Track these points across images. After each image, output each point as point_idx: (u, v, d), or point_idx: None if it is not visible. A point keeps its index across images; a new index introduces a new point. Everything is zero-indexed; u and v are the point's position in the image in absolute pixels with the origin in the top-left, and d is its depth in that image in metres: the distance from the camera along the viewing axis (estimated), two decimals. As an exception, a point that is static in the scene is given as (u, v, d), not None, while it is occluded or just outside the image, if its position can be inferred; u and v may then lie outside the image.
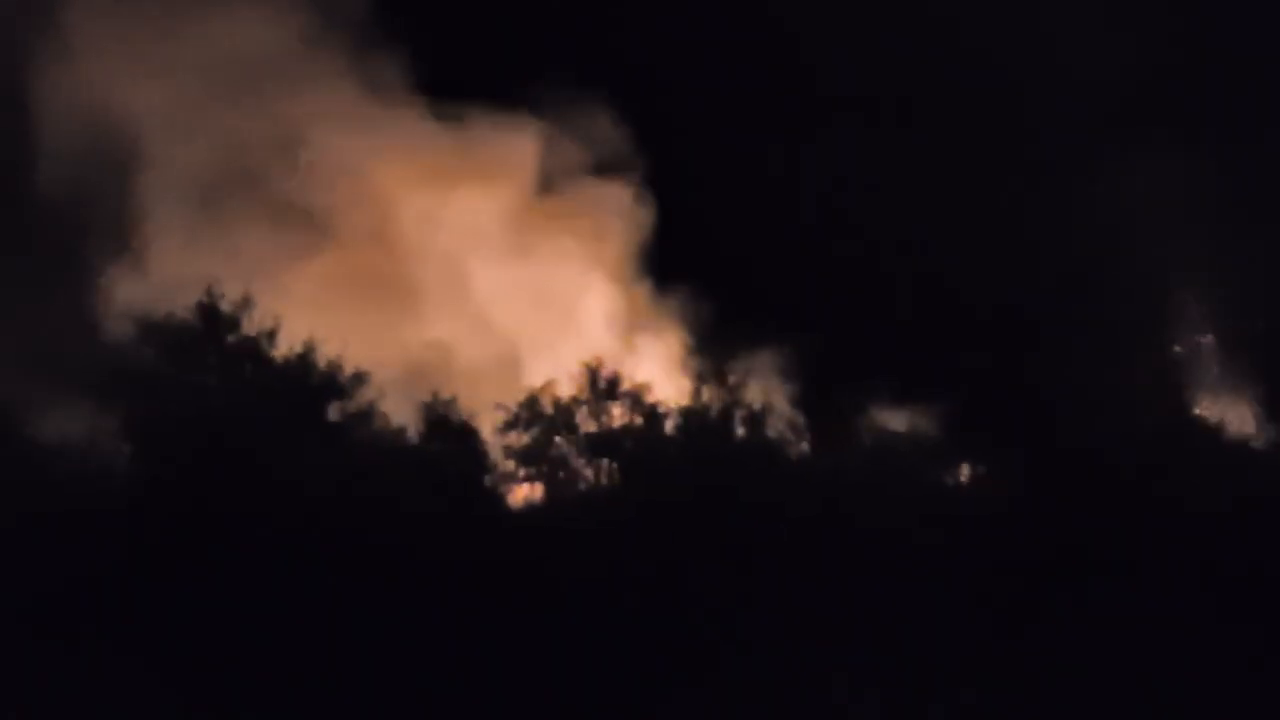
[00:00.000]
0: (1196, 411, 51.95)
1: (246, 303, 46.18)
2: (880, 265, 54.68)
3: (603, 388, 47.73)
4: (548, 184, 55.24)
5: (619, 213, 54.99)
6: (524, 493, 47.55)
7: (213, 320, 45.93)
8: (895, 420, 48.49)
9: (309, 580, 43.58)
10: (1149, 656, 44.96)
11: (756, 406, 47.53)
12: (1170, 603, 45.38)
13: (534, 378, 49.01)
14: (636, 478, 46.85)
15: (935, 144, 55.43)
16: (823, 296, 53.92)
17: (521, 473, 47.37)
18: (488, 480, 46.96)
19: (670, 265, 54.68)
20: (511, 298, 54.77)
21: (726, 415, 47.53)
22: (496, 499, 47.01)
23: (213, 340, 45.75)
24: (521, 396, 47.79)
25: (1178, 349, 54.32)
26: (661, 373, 51.37)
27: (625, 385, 47.80)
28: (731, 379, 48.14)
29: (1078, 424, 47.34)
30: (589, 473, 47.28)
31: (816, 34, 56.08)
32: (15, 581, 42.36)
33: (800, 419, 48.15)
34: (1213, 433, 50.29)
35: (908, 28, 56.81)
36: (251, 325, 46.21)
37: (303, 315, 46.90)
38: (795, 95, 56.35)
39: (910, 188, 54.89)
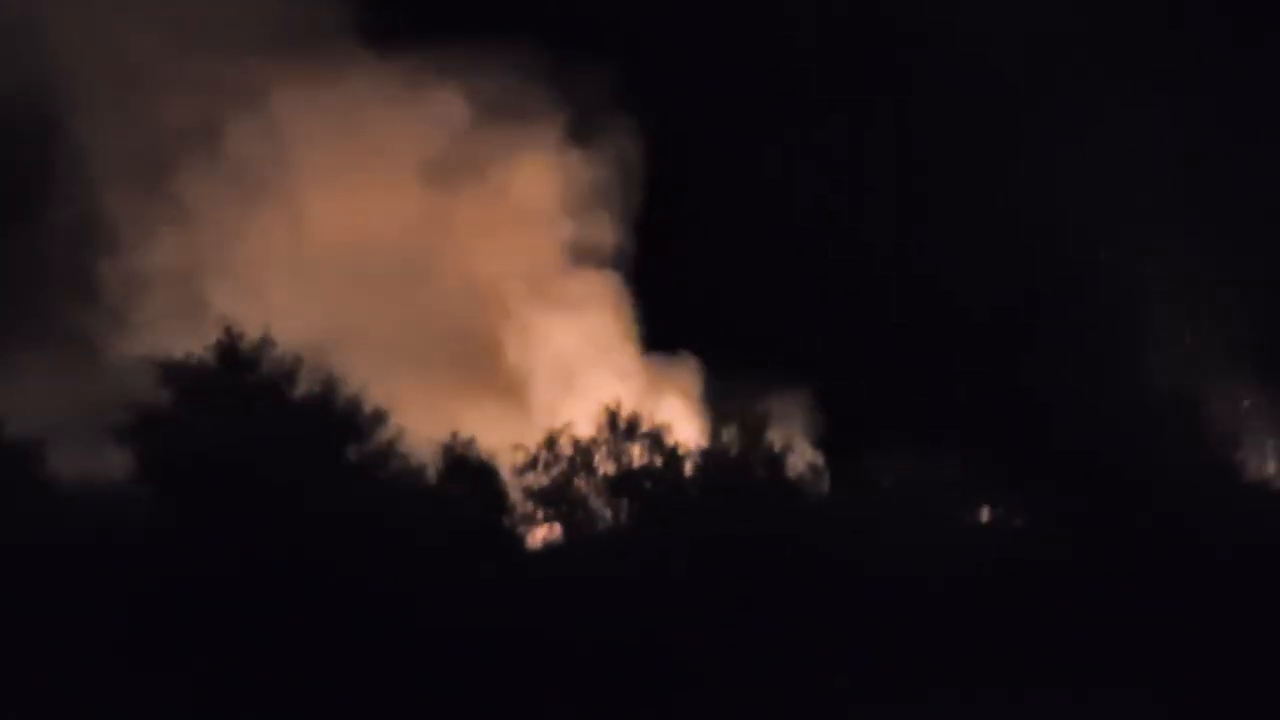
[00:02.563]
0: (1229, 455, 51.51)
1: (265, 342, 46.15)
2: (903, 302, 54.56)
3: (622, 429, 47.66)
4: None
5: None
6: (543, 533, 47.46)
7: (231, 359, 45.89)
8: (916, 461, 48.27)
9: (327, 619, 43.53)
10: (1175, 701, 44.77)
11: (776, 448, 47.46)
12: (1199, 646, 45.21)
13: (552, 418, 49.01)
14: (655, 519, 46.77)
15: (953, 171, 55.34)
16: (842, 335, 53.80)
17: (540, 513, 47.28)
18: (506, 521, 46.91)
19: (683, 305, 54.65)
20: (530, 335, 54.84)
21: (746, 456, 47.46)
22: (515, 540, 46.95)
23: (231, 380, 45.70)
24: (540, 437, 47.76)
25: (1213, 393, 53.96)
26: (681, 414, 51.29)
27: (644, 426, 47.73)
28: (751, 420, 47.99)
29: (1107, 465, 47.12)
30: (608, 513, 47.19)
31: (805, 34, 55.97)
32: (34, 624, 42.38)
33: (820, 460, 48.09)
34: (1240, 475, 50.02)
35: (895, 27, 56.57)
36: (271, 364, 46.20)
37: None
38: (791, 99, 56.17)
39: (942, 218, 54.76)
